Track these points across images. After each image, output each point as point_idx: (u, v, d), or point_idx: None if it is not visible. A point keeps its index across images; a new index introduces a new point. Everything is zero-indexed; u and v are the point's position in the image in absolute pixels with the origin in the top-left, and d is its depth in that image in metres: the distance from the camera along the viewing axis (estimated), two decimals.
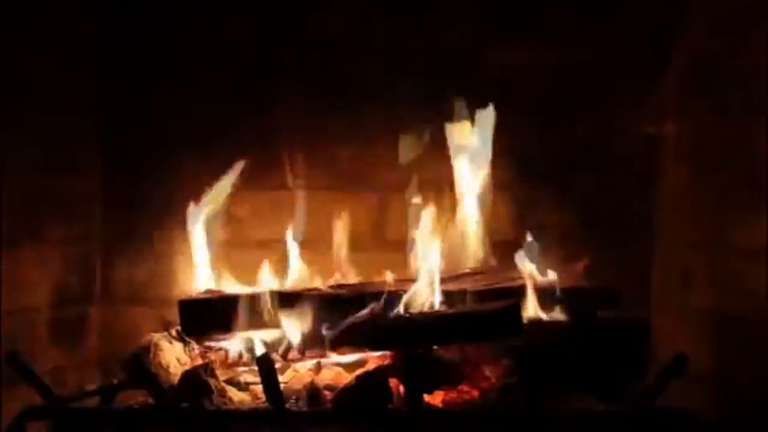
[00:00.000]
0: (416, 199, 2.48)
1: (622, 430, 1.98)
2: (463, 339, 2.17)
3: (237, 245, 2.60)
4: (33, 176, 2.41)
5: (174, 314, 2.33)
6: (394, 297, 2.20)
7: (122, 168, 2.72)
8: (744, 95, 2.24)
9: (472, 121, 2.49)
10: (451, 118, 2.50)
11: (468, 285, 2.30)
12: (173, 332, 2.33)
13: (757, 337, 2.12)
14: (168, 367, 2.23)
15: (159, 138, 2.70)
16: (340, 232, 2.55)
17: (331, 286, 2.35)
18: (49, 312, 2.48)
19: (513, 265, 2.32)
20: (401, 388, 2.07)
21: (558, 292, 2.24)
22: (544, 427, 1.98)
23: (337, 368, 2.28)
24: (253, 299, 2.27)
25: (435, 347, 2.19)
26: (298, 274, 2.50)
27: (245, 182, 2.57)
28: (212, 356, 2.30)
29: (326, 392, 2.12)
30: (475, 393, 2.13)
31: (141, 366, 2.09)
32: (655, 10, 2.62)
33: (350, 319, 2.18)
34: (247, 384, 2.22)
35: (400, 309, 2.19)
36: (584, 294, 2.27)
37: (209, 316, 2.29)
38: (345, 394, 2.05)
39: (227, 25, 2.71)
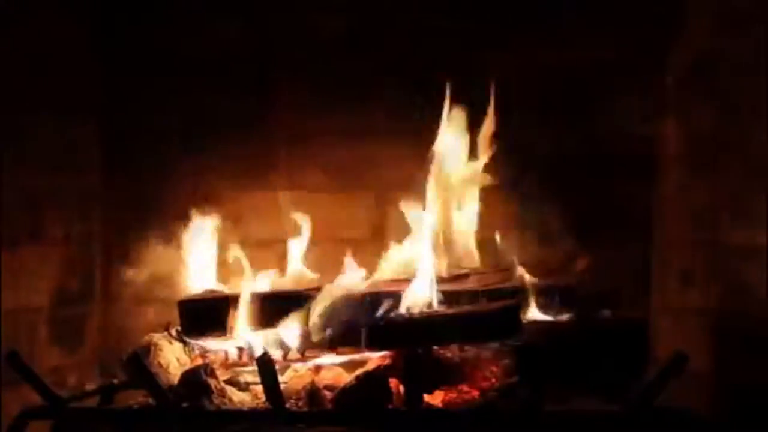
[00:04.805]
0: (414, 200, 2.48)
1: (622, 430, 1.98)
2: (463, 339, 2.17)
3: (237, 245, 2.60)
4: (33, 176, 2.42)
5: (174, 314, 2.33)
6: (393, 297, 2.21)
7: (122, 168, 2.72)
8: (744, 94, 2.24)
9: (471, 120, 2.49)
10: (449, 117, 2.50)
11: (467, 285, 2.30)
12: (173, 332, 2.33)
13: (757, 336, 2.12)
14: (168, 367, 2.23)
15: (159, 137, 2.70)
16: (340, 231, 2.55)
17: None
18: (49, 312, 2.48)
19: (512, 266, 2.32)
20: (401, 388, 2.07)
21: (557, 292, 2.24)
22: (544, 427, 1.98)
23: (337, 368, 2.28)
24: (253, 299, 2.27)
25: (435, 347, 2.19)
26: (297, 274, 2.50)
27: (245, 182, 2.58)
28: (212, 356, 2.30)
29: (326, 392, 2.12)
30: (475, 393, 2.13)
31: (141, 366, 2.09)
32: (655, 9, 2.61)
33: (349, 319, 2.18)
34: (247, 384, 2.22)
35: (400, 309, 2.20)
36: (584, 294, 2.27)
37: (209, 316, 2.29)
38: (345, 394, 2.05)
39: (226, 25, 2.71)
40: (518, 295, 2.23)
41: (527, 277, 2.30)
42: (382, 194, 2.70)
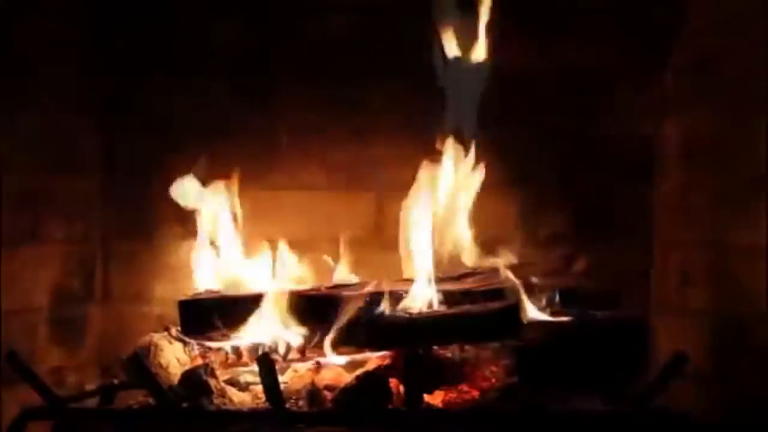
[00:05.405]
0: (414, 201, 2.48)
1: (622, 430, 1.98)
2: (463, 339, 2.17)
3: (237, 245, 2.60)
4: (33, 176, 2.42)
5: (174, 314, 2.33)
6: (391, 297, 2.20)
7: (122, 168, 2.72)
8: (744, 94, 2.24)
9: (470, 120, 2.49)
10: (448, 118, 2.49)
11: (467, 285, 2.29)
12: (173, 332, 2.33)
13: (757, 337, 2.12)
14: (168, 367, 2.22)
15: (159, 137, 2.70)
16: (339, 232, 2.55)
17: (331, 287, 2.35)
18: (49, 312, 2.48)
19: (513, 266, 2.32)
20: (401, 388, 2.07)
21: (557, 292, 2.23)
22: (544, 427, 1.98)
23: (337, 368, 2.28)
24: (253, 299, 2.27)
25: (435, 347, 2.19)
26: (298, 274, 2.50)
27: (245, 182, 2.58)
28: (212, 356, 2.30)
29: (326, 392, 2.12)
30: (475, 393, 2.13)
31: (141, 366, 2.09)
32: (655, 10, 2.61)
33: (348, 319, 2.18)
34: (247, 384, 2.22)
35: (400, 309, 2.19)
36: (583, 294, 2.27)
37: (209, 316, 2.28)
38: (345, 394, 2.05)
39: (227, 24, 2.71)
40: (518, 295, 2.23)
41: (527, 277, 2.30)
42: (382, 194, 2.69)
